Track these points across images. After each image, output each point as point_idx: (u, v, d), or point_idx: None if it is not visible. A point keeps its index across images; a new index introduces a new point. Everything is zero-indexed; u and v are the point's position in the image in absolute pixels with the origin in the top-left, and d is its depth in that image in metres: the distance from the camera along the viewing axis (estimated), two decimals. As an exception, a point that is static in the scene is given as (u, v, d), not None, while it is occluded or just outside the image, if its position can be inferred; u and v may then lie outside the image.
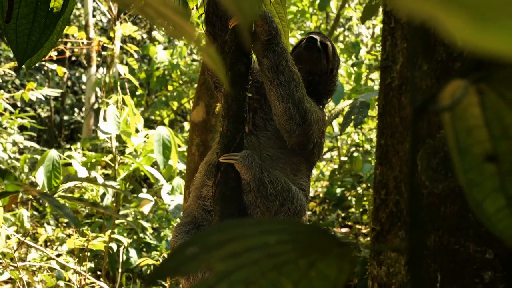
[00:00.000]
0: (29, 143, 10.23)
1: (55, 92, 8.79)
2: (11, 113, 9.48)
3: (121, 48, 10.14)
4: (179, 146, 8.38)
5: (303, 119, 3.03)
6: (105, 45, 9.36)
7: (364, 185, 8.98)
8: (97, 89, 11.25)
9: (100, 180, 6.85)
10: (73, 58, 16.06)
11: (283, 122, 3.04)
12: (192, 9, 3.16)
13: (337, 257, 0.88)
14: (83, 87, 17.05)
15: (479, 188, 0.99)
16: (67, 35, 11.58)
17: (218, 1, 3.08)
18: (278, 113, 3.05)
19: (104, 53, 9.87)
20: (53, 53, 8.65)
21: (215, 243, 0.84)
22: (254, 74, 3.26)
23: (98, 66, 14.48)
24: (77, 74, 17.53)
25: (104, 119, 7.01)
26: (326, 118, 3.49)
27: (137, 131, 7.65)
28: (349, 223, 9.91)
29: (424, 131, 2.06)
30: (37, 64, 15.72)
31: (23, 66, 2.81)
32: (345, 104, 5.42)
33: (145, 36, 17.07)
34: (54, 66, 9.36)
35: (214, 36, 3.14)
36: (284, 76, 2.99)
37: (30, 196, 8.37)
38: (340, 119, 9.12)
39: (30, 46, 2.75)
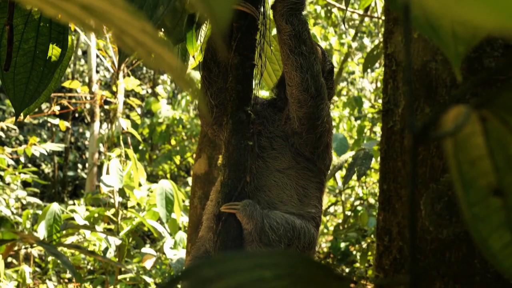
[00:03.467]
0: (32, 199, 10.20)
1: (58, 147, 8.78)
2: (14, 168, 9.46)
3: (124, 102, 10.17)
4: (183, 200, 8.34)
5: (318, 92, 2.95)
6: (108, 99, 9.38)
7: (369, 240, 8.91)
8: (101, 145, 11.25)
9: (103, 234, 6.80)
10: (76, 115, 16.15)
11: (298, 93, 2.96)
12: (192, 56, 3.16)
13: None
14: (87, 142, 17.08)
15: (485, 223, 0.95)
16: (70, 90, 11.62)
17: (217, 48, 3.07)
18: (294, 83, 2.97)
19: (106, 107, 9.89)
20: (56, 108, 8.67)
21: (208, 278, 0.80)
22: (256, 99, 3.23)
23: (101, 122, 14.51)
24: (80, 130, 17.59)
25: (107, 173, 7.00)
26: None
27: (140, 185, 7.62)
28: (354, 278, 9.81)
29: (428, 176, 2.03)
30: (40, 120, 15.82)
31: (21, 114, 2.79)
32: (348, 156, 5.40)
33: (149, 91, 17.15)
34: (56, 121, 9.37)
35: (209, 82, 3.12)
36: (306, 47, 2.92)
37: (31, 251, 8.32)
38: (343, 172, 9.10)
39: (28, 95, 2.74)
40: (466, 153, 0.91)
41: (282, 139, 3.15)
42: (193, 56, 3.12)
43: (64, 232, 6.29)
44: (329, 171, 3.33)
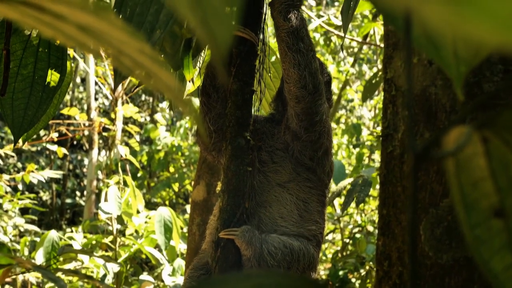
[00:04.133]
0: (30, 226, 10.16)
1: (56, 174, 8.77)
2: (12, 195, 9.44)
3: (123, 130, 10.18)
4: (181, 227, 8.32)
5: (315, 88, 2.94)
6: (106, 126, 9.39)
7: (367, 266, 8.88)
8: (99, 172, 11.23)
9: (100, 261, 6.77)
10: (75, 142, 16.15)
11: (295, 89, 2.95)
12: (189, 81, 3.15)
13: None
14: (85, 170, 17.06)
15: (487, 245, 0.95)
16: (68, 117, 11.63)
17: (216, 73, 3.07)
18: (291, 81, 2.95)
19: (105, 134, 9.90)
20: (54, 135, 8.67)
21: (207, 300, 0.79)
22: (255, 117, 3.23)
23: (100, 149, 14.51)
24: (79, 157, 17.57)
25: (106, 200, 6.99)
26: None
27: (138, 212, 7.61)
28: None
29: (427, 201, 2.02)
30: (38, 147, 15.81)
31: (20, 140, 2.79)
32: (346, 182, 5.39)
33: (148, 118, 17.16)
34: (55, 147, 9.37)
35: (208, 107, 3.12)
36: (304, 44, 2.92)
37: (29, 278, 8.27)
38: (342, 199, 9.09)
39: (26, 120, 2.74)
40: (468, 174, 0.91)
41: (282, 151, 3.15)
42: (189, 81, 3.12)
43: (61, 259, 6.27)
44: (330, 181, 3.30)
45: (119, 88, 9.37)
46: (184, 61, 2.96)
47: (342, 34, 4.45)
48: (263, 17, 3.05)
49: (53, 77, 2.73)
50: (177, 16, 2.13)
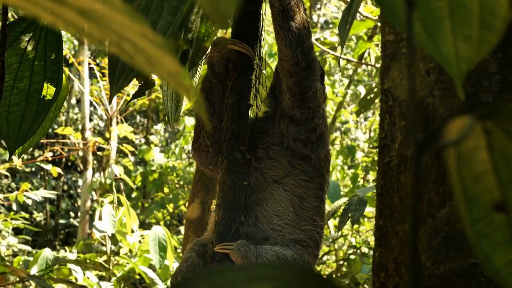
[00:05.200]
0: (24, 247, 10.13)
1: (50, 194, 8.75)
2: (6, 215, 9.41)
3: (117, 150, 10.17)
4: (175, 247, 8.29)
5: (308, 66, 2.94)
6: (101, 145, 9.38)
7: (362, 288, 8.85)
8: (93, 193, 11.19)
9: (94, 279, 6.74)
10: (69, 163, 16.12)
11: (288, 66, 2.95)
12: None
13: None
14: (79, 190, 17.02)
15: (488, 240, 0.94)
16: (63, 137, 11.61)
17: (212, 87, 3.07)
18: (284, 58, 2.96)
19: (99, 153, 9.89)
20: (49, 154, 8.66)
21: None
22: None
23: (94, 170, 14.49)
24: (73, 178, 17.53)
25: (100, 218, 6.96)
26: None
27: (132, 231, 7.58)
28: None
29: (424, 211, 2.02)
30: (32, 168, 15.77)
31: (15, 153, 2.78)
32: (341, 202, 5.38)
33: (143, 140, 17.14)
34: (49, 167, 9.35)
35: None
36: (295, 22, 2.91)
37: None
38: (336, 221, 9.07)
39: (22, 134, 2.73)
40: (469, 168, 0.90)
41: (277, 145, 3.14)
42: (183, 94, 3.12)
43: (55, 276, 6.23)
44: (328, 172, 3.27)
45: (114, 107, 9.37)
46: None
47: (338, 54, 4.46)
48: (259, 31, 3.06)
49: (49, 90, 2.72)
50: (175, 26, 2.13)
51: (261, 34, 3.08)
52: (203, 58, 3.12)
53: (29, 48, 2.72)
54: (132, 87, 8.35)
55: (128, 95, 8.92)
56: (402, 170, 2.07)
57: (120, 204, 7.24)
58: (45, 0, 0.77)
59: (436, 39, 1.01)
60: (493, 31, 0.98)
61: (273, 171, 3.10)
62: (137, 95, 2.94)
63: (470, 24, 0.99)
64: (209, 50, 3.06)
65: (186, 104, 3.33)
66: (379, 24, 6.62)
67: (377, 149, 2.24)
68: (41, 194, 8.39)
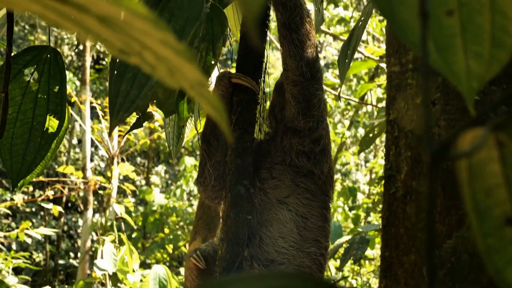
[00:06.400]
0: (23, 287, 10.07)
1: (51, 232, 8.73)
2: (6, 254, 9.37)
3: (118, 189, 10.17)
4: (176, 288, 8.24)
5: (313, 76, 2.95)
6: (102, 184, 9.37)
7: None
8: (93, 233, 11.16)
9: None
10: (69, 204, 16.09)
11: (293, 76, 2.96)
12: (182, 126, 3.15)
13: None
14: (79, 231, 16.97)
15: (500, 254, 0.94)
16: (64, 175, 11.61)
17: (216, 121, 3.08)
18: (289, 68, 2.97)
19: (100, 191, 9.88)
20: (50, 193, 8.65)
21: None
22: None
23: (94, 211, 14.46)
24: (73, 219, 17.48)
25: (101, 257, 6.94)
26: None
27: (133, 270, 7.55)
28: None
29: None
30: (33, 208, 15.74)
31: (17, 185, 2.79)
32: (343, 240, 5.36)
33: (143, 182, 17.13)
34: (50, 206, 9.34)
35: (209, 154, 3.12)
36: (298, 35, 2.92)
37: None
38: (337, 262, 9.04)
39: (25, 166, 2.74)
40: (481, 181, 0.90)
41: (280, 164, 3.12)
42: (183, 126, 3.12)
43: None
44: (332, 189, 3.24)
45: (115, 146, 9.39)
46: (179, 107, 2.97)
47: (337, 92, 4.49)
48: (264, 66, 3.07)
49: (51, 123, 2.73)
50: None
51: (265, 68, 3.09)
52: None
53: (32, 81, 2.74)
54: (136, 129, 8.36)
55: (130, 133, 8.95)
56: (407, 201, 2.07)
57: (121, 243, 7.22)
58: (66, 7, 0.78)
59: (447, 57, 1.02)
60: (505, 48, 0.99)
61: (276, 190, 3.08)
62: (134, 126, 2.95)
63: (482, 41, 1.00)
64: (213, 84, 3.08)
65: (187, 136, 3.32)
66: (381, 64, 6.66)
67: (382, 181, 2.24)
68: (42, 231, 8.37)
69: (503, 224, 0.92)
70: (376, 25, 10.49)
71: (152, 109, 2.97)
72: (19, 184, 2.81)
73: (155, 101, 2.92)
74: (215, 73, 3.10)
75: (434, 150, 0.83)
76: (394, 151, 2.14)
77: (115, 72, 2.15)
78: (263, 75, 3.07)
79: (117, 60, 2.16)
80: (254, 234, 3.00)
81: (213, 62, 2.73)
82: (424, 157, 2.07)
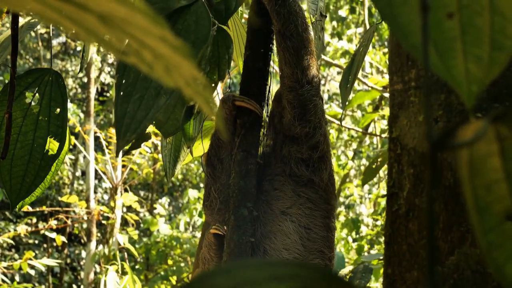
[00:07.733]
0: (26, 321, 10.03)
1: (54, 262, 8.72)
2: (9, 285, 9.35)
3: (122, 221, 10.16)
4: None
5: (308, 82, 2.94)
6: (105, 214, 9.38)
7: None
8: (96, 265, 11.13)
9: None
10: (73, 237, 16.08)
11: (289, 82, 2.96)
12: (188, 147, 3.16)
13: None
14: (82, 263, 16.93)
15: (500, 250, 0.94)
16: (67, 205, 11.62)
17: (220, 144, 3.09)
18: (285, 75, 2.97)
19: (104, 221, 9.89)
20: (53, 222, 8.66)
21: None
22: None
23: (98, 242, 14.44)
24: (76, 251, 17.45)
25: (105, 286, 6.93)
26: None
27: (136, 301, 7.54)
28: None
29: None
30: (36, 240, 15.71)
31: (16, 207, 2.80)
32: (347, 270, 5.34)
33: (147, 214, 17.12)
34: (53, 235, 9.34)
35: (213, 178, 3.12)
36: (292, 42, 2.92)
37: None
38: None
39: (24, 188, 2.75)
40: (481, 176, 0.91)
41: (281, 175, 3.10)
42: (189, 147, 3.13)
43: None
44: (334, 197, 3.21)
45: (119, 176, 9.40)
46: (185, 128, 2.98)
47: (342, 124, 4.50)
48: (268, 88, 3.09)
49: (51, 145, 2.75)
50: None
51: (269, 91, 3.10)
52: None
53: (34, 103, 2.76)
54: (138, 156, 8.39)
55: (133, 163, 8.97)
56: (410, 218, 2.07)
57: (124, 273, 7.21)
58: (66, 5, 0.79)
59: (447, 61, 1.03)
60: (504, 51, 1.00)
61: (279, 201, 3.06)
62: (133, 147, 2.95)
63: (481, 43, 1.00)
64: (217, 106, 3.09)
65: (185, 160, 3.32)
66: (384, 94, 6.67)
67: (385, 198, 2.24)
68: (45, 262, 8.37)
69: (503, 219, 0.93)
70: (380, 58, 10.53)
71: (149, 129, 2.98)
72: (18, 206, 2.82)
73: (154, 122, 2.93)
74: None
75: (434, 139, 0.84)
76: (396, 169, 2.15)
77: (121, 93, 2.16)
78: (266, 98, 3.09)
79: (123, 82, 2.17)
80: (258, 246, 2.99)
81: (215, 77, 2.75)
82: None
